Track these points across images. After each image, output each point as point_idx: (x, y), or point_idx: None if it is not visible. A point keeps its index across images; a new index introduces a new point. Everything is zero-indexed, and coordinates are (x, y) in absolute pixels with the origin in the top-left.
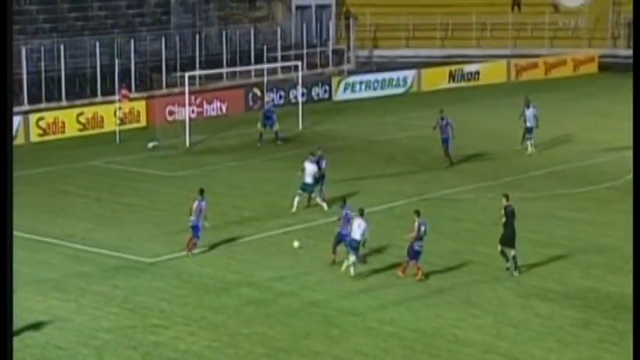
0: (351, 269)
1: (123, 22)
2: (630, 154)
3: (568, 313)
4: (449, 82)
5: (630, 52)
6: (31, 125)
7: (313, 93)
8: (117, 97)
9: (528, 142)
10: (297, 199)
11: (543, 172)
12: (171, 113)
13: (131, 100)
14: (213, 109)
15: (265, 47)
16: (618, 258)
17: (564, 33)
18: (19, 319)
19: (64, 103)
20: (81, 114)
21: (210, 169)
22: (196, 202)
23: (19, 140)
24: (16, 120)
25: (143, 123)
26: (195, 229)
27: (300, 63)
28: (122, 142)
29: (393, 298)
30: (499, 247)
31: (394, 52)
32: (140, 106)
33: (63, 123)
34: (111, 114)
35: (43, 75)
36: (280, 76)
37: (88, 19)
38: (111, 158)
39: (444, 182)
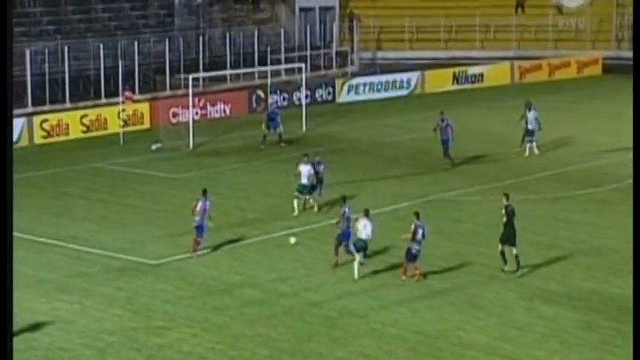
0: (355, 271)
1: (127, 24)
2: None
3: (571, 315)
4: (453, 84)
5: None
6: (34, 127)
7: (317, 95)
8: (121, 99)
9: (527, 145)
10: (295, 202)
11: (546, 174)
12: (174, 115)
13: (135, 102)
14: (216, 111)
15: (269, 49)
16: (621, 260)
17: (568, 35)
18: (22, 320)
19: (67, 105)
20: (85, 116)
21: (213, 171)
22: (199, 203)
23: (22, 142)
24: (20, 122)
25: (147, 125)
26: (199, 229)
27: (303, 65)
28: (126, 144)
29: (396, 300)
30: (499, 247)
31: (398, 54)
32: (144, 108)
33: (67, 125)
34: (115, 116)
35: (46, 77)
36: (284, 78)
37: (91, 21)
38: (114, 160)
39: (447, 184)
